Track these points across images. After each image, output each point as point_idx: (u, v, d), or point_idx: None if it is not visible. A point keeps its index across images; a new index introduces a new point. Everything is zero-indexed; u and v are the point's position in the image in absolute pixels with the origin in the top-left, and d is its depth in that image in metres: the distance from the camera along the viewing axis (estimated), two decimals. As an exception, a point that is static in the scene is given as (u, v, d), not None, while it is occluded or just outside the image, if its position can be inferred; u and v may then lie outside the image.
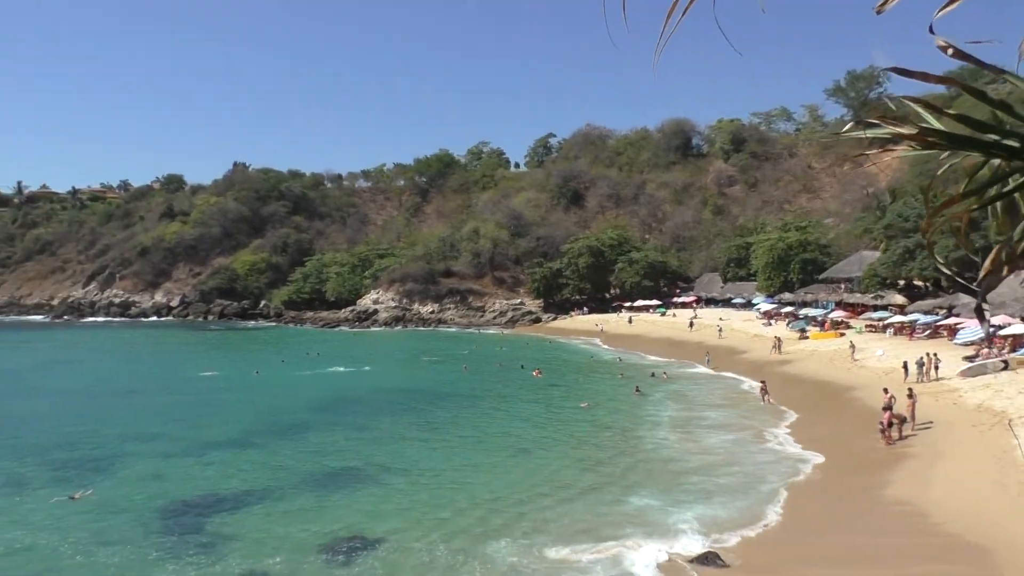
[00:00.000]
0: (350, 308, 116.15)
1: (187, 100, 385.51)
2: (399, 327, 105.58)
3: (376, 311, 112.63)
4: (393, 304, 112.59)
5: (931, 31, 2.14)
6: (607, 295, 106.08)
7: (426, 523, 20.18)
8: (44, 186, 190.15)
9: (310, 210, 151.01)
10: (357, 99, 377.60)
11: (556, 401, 41.72)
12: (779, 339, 53.97)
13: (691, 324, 73.97)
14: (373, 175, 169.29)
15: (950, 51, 2.12)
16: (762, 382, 39.56)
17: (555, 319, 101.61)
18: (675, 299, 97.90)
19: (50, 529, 19.75)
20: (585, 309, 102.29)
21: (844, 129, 2.33)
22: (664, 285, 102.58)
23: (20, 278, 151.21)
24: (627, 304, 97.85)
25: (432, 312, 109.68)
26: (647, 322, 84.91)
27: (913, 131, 2.14)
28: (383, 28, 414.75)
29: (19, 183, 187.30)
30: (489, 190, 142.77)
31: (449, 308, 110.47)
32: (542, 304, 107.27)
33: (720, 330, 66.28)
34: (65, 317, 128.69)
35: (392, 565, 17.37)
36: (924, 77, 2.18)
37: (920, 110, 2.25)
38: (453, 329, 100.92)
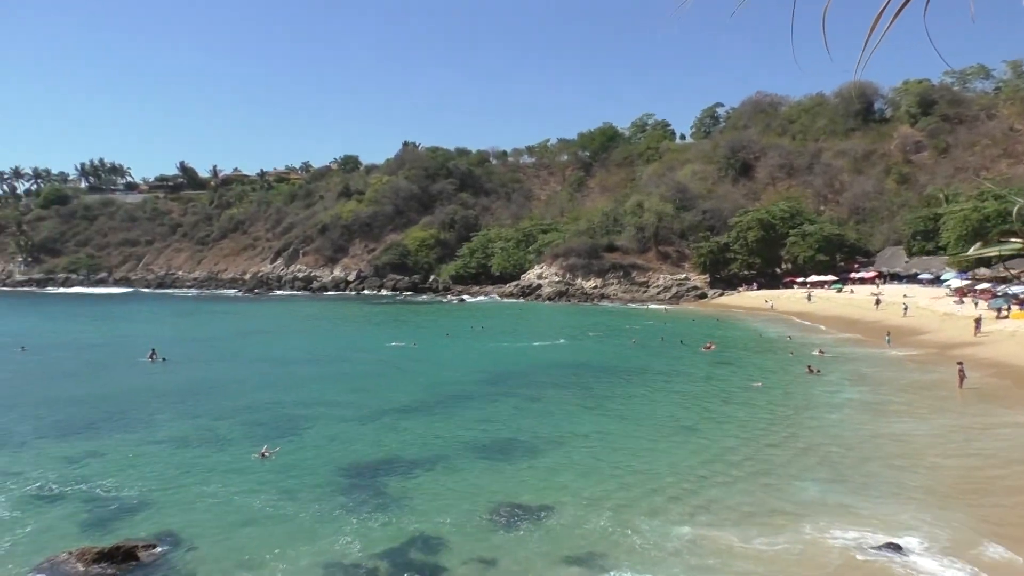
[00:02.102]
0: (514, 283, 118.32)
1: (361, 82, 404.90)
2: (562, 301, 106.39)
3: (540, 286, 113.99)
4: (556, 279, 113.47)
5: None
6: (777, 270, 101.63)
7: (588, 496, 20.26)
8: (236, 169, 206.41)
9: (476, 187, 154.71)
10: (522, 75, 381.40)
11: (725, 378, 40.54)
12: (979, 318, 49.44)
13: (877, 302, 68.78)
14: (537, 151, 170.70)
15: None
16: (959, 365, 34.87)
17: (721, 295, 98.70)
18: (852, 275, 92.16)
19: (243, 484, 21.57)
20: (754, 285, 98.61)
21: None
22: (840, 260, 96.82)
23: (217, 255, 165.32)
24: (799, 280, 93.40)
25: (595, 287, 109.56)
26: (822, 299, 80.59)
27: None
28: (546, 3, 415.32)
29: (214, 167, 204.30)
30: (653, 163, 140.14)
31: (612, 283, 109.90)
32: (708, 279, 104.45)
33: (905, 308, 61.76)
34: (255, 291, 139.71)
35: (553, 534, 17.61)
36: None
37: None
38: (616, 304, 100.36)
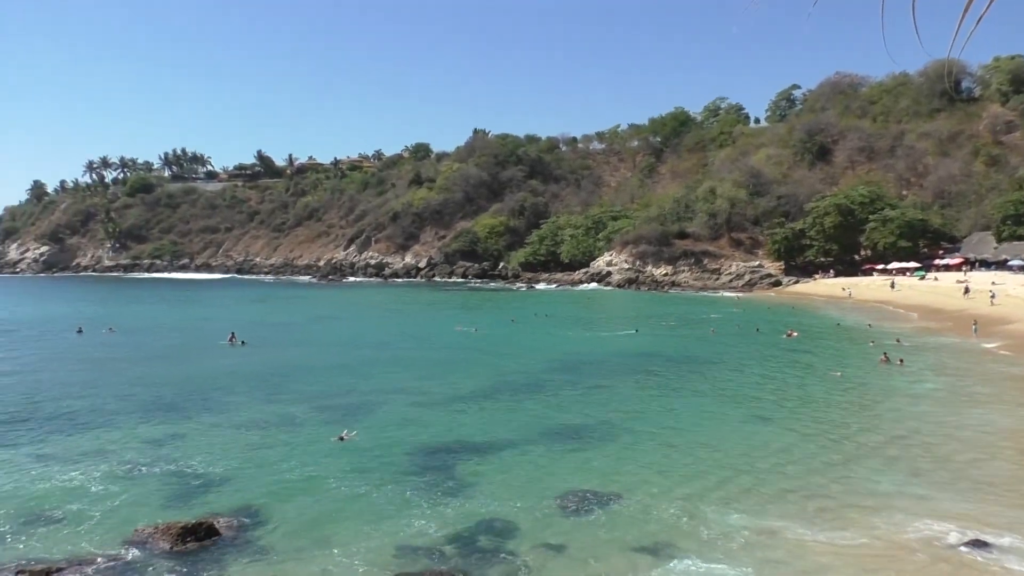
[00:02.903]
0: (583, 270, 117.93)
1: (430, 71, 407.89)
2: (632, 289, 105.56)
3: (609, 273, 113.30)
4: (626, 266, 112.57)
5: None
6: (856, 257, 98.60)
7: (658, 484, 20.11)
8: (311, 158, 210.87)
9: (545, 173, 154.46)
10: (592, 60, 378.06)
11: (803, 368, 39.60)
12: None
13: (966, 290, 65.75)
14: (607, 137, 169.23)
15: None
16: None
17: (796, 283, 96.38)
18: (937, 261, 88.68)
19: (319, 465, 22.16)
20: (831, 272, 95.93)
21: None
22: (923, 246, 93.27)
23: (292, 242, 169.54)
24: (879, 267, 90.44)
25: (665, 275, 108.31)
26: (904, 287, 77.83)
27: None
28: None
29: (290, 156, 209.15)
30: (726, 148, 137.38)
31: (683, 270, 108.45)
32: (782, 267, 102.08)
33: (992, 296, 59.15)
34: (329, 277, 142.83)
35: (621, 522, 17.55)
36: None
37: None
38: (687, 292, 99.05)
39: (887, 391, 32.84)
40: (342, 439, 24.46)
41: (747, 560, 15.48)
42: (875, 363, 39.36)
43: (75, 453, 23.06)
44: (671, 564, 15.41)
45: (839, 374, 36.88)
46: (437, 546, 16.26)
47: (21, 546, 16.13)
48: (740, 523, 17.30)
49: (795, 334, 51.15)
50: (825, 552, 15.81)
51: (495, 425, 27.23)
